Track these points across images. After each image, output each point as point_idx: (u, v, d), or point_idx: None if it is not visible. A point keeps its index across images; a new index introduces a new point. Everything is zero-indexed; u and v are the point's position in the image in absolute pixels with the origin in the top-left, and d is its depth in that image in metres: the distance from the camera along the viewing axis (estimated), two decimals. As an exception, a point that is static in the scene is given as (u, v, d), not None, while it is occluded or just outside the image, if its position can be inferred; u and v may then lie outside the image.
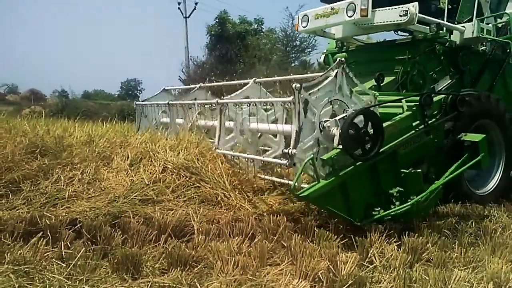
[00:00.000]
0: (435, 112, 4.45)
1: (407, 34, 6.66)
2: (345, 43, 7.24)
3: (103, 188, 4.20)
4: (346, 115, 3.72)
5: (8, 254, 2.89)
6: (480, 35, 6.14)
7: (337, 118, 3.77)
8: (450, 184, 4.79)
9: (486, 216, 4.79)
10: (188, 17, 34.65)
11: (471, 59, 6.53)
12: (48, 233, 3.24)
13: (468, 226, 4.22)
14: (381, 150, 3.83)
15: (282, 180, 4.35)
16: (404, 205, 3.75)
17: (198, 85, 6.32)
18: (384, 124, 3.94)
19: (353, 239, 3.48)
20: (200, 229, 3.57)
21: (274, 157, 4.55)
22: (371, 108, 3.92)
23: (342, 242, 3.47)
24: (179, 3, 34.32)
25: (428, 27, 5.95)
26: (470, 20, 6.44)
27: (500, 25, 6.84)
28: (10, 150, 4.46)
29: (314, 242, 3.47)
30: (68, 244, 3.14)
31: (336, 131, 3.71)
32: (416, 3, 5.62)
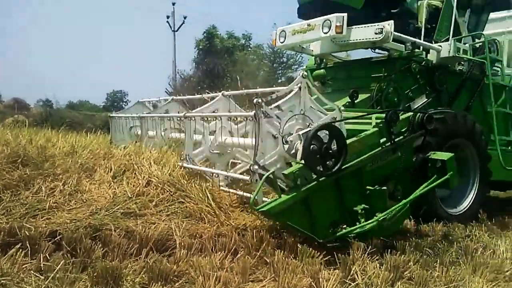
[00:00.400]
0: (403, 130, 4.41)
1: (385, 52, 6.69)
2: (323, 60, 7.27)
3: (84, 200, 4.16)
4: (309, 130, 3.66)
5: None
6: (457, 55, 6.18)
7: (300, 132, 3.71)
8: (421, 203, 4.79)
9: (468, 235, 4.79)
10: (177, 31, 34.81)
11: (448, 79, 6.56)
12: (27, 245, 3.18)
13: (449, 245, 4.22)
14: (346, 166, 3.78)
15: (249, 195, 4.27)
16: (367, 222, 3.68)
17: (171, 98, 6.26)
18: (349, 140, 3.89)
19: (335, 256, 3.44)
20: (182, 244, 3.50)
21: (243, 172, 4.47)
22: (335, 124, 3.88)
23: (324, 259, 3.42)
24: (167, 17, 34.52)
25: (403, 46, 5.99)
26: (448, 40, 6.51)
27: (477, 45, 6.93)
28: None
29: (297, 258, 3.40)
30: (47, 256, 3.08)
31: (299, 145, 3.65)
32: (392, 22, 5.66)
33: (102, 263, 2.95)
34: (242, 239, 3.68)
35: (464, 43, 6.71)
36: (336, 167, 3.66)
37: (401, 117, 4.31)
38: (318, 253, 3.41)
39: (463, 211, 5.72)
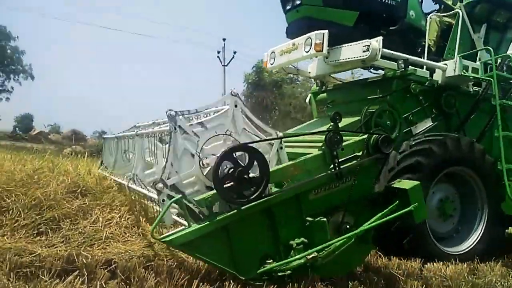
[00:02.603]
0: (359, 154, 3.93)
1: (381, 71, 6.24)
2: (324, 83, 6.94)
3: (140, 234, 4.26)
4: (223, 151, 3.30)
5: None
6: (463, 73, 5.61)
7: (218, 155, 3.33)
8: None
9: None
10: (226, 65, 35.72)
11: (459, 101, 5.96)
12: (84, 272, 3.31)
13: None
14: (276, 193, 3.38)
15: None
16: (292, 258, 3.23)
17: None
18: (284, 165, 3.51)
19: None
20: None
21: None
22: (254, 145, 3.48)
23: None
24: (218, 52, 35.60)
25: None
26: (468, 58, 5.96)
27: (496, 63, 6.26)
28: (53, 188, 4.73)
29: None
30: (103, 283, 3.18)
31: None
32: (380, 38, 5.26)
33: None
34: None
35: (479, 61, 6.11)
36: (255, 195, 3.26)
37: (354, 139, 3.85)
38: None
39: (466, 250, 5.01)
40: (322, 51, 5.25)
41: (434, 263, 4.48)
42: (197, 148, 3.43)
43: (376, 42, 5.23)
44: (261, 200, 3.30)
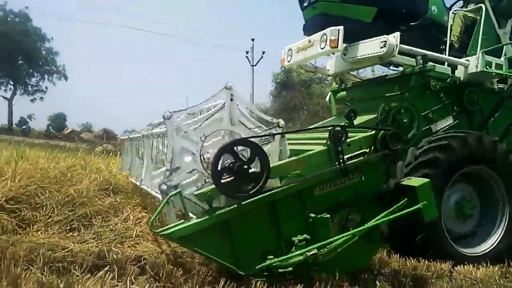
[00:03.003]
0: (366, 150, 3.88)
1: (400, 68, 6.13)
2: (343, 80, 6.88)
3: None
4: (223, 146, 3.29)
5: (79, 285, 3.02)
6: (485, 69, 5.45)
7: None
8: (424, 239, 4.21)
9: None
10: (255, 65, 35.84)
11: (482, 98, 5.80)
12: (115, 267, 3.43)
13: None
14: (278, 189, 3.39)
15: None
16: (293, 254, 3.20)
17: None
18: (286, 160, 3.50)
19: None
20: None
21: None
22: (260, 139, 3.48)
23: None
24: (247, 52, 35.78)
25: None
26: (492, 54, 5.79)
27: None
28: (85, 186, 5.01)
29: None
30: (133, 279, 3.29)
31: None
32: (398, 33, 5.17)
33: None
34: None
35: (505, 56, 5.91)
36: (255, 189, 3.26)
37: (362, 135, 3.80)
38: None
39: (485, 252, 4.87)
40: (337, 47, 5.20)
41: (465, 266, 4.41)
42: (196, 146, 3.46)
43: (394, 38, 5.14)
44: (262, 195, 3.31)
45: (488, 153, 4.91)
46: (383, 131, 3.81)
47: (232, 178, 3.24)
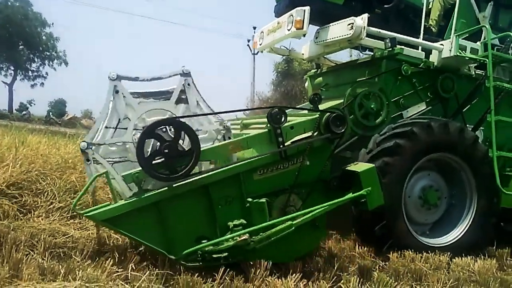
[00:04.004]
0: (310, 133, 3.74)
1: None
2: (320, 65, 6.74)
3: None
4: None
5: (80, 271, 3.02)
6: (458, 53, 5.28)
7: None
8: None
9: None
10: (257, 53, 35.55)
11: (458, 84, 5.64)
12: (115, 254, 3.43)
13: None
14: (214, 172, 3.27)
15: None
16: (221, 238, 3.12)
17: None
18: (222, 143, 3.40)
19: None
20: (259, 263, 3.38)
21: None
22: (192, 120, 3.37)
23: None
24: (248, 40, 35.50)
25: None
26: (468, 39, 5.61)
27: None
28: None
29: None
30: (133, 266, 3.26)
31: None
32: (366, 15, 5.02)
33: (183, 277, 3.04)
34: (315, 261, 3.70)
35: (483, 41, 5.73)
36: (183, 172, 3.16)
37: (306, 118, 3.67)
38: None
39: (450, 243, 4.75)
40: (302, 28, 5.06)
41: (463, 258, 4.38)
42: (136, 117, 3.36)
43: (361, 20, 4.99)
44: (195, 178, 3.22)
45: (454, 140, 4.76)
46: (327, 114, 3.67)
47: (161, 159, 3.13)
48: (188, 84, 3.50)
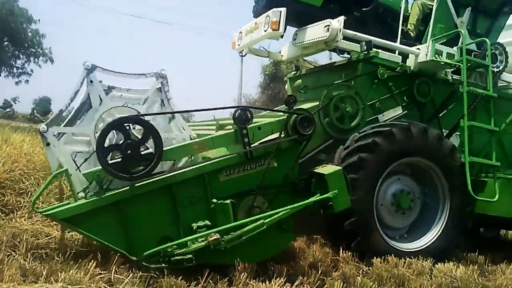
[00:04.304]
0: (279, 134, 3.71)
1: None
2: (299, 67, 6.73)
3: None
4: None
5: (63, 273, 2.97)
6: (434, 58, 5.29)
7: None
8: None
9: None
10: (244, 55, 35.40)
11: (435, 89, 5.66)
12: (98, 256, 3.32)
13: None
14: (177, 172, 3.22)
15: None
16: (186, 239, 3.08)
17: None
18: (187, 142, 3.35)
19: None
20: (242, 266, 3.38)
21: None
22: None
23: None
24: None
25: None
26: (447, 44, 5.64)
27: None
28: None
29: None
30: (116, 268, 3.20)
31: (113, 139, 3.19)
32: (342, 18, 5.02)
33: (167, 279, 3.02)
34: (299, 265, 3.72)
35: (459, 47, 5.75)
36: (145, 171, 3.11)
37: (274, 119, 3.64)
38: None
39: (421, 248, 4.75)
40: (278, 30, 5.04)
41: (445, 263, 4.42)
42: (103, 110, 3.31)
43: (337, 22, 4.99)
44: (158, 178, 3.17)
45: (431, 146, 4.78)
46: (294, 115, 3.64)
47: (121, 158, 3.08)
48: (162, 88, 3.45)
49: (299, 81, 6.69)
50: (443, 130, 5.64)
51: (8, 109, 39.23)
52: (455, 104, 5.68)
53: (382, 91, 5.47)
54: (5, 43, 39.40)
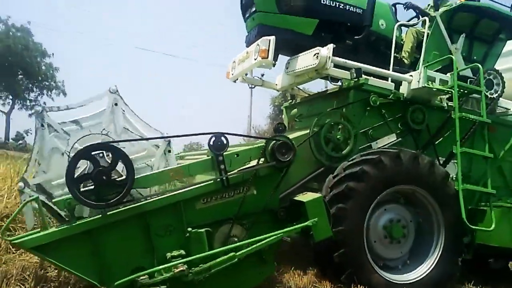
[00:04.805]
0: (257, 161, 3.66)
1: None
2: (295, 96, 6.75)
3: None
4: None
5: None
6: (427, 85, 5.27)
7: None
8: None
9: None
10: (254, 87, 35.83)
11: (430, 115, 5.61)
12: None
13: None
14: (151, 200, 3.19)
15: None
16: (156, 268, 3.00)
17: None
18: (162, 169, 3.33)
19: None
20: None
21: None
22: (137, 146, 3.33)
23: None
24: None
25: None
26: (442, 71, 5.63)
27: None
28: None
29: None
30: None
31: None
32: (331, 45, 5.06)
33: None
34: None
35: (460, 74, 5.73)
36: (112, 201, 3.06)
37: (254, 146, 3.61)
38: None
39: (416, 280, 4.60)
40: (267, 58, 5.07)
41: None
42: (68, 147, 3.31)
43: (327, 50, 5.02)
44: (131, 206, 3.14)
45: (423, 173, 4.68)
46: (273, 142, 3.61)
47: (93, 185, 3.06)
48: (116, 104, 3.45)
49: (295, 110, 6.69)
50: (440, 158, 5.57)
51: (20, 141, 39.81)
52: (452, 131, 5.60)
53: (375, 119, 5.43)
54: (19, 76, 40.49)
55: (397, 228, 4.70)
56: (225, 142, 3.45)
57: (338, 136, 5.05)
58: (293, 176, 4.70)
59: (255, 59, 5.24)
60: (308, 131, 5.14)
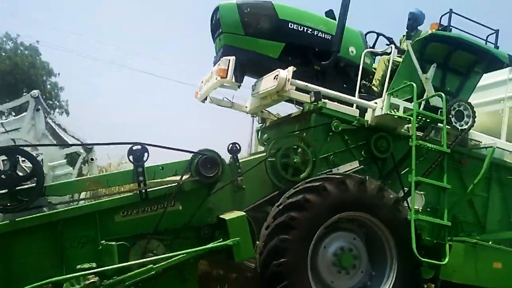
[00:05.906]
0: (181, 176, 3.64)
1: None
2: (265, 119, 6.79)
3: None
4: None
5: None
6: (388, 112, 5.27)
7: None
8: None
9: None
10: (256, 117, 35.95)
11: (395, 144, 5.59)
12: None
13: None
14: (65, 209, 3.17)
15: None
16: (55, 279, 2.94)
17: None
18: (79, 178, 3.33)
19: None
20: None
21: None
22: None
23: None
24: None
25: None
26: (408, 100, 5.64)
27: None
28: None
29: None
30: None
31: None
32: (291, 68, 5.11)
33: None
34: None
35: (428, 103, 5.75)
36: (14, 207, 3.03)
37: (181, 160, 3.60)
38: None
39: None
40: (226, 77, 5.13)
41: None
42: None
43: (286, 72, 5.07)
44: (40, 214, 3.12)
45: (371, 200, 4.62)
46: (199, 156, 3.60)
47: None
48: (38, 109, 3.48)
49: (266, 134, 6.72)
50: (405, 188, 5.51)
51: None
52: (419, 161, 5.57)
53: (338, 144, 5.41)
54: (24, 94, 41.18)
55: (347, 257, 4.61)
56: (145, 153, 3.43)
57: (295, 160, 5.03)
58: (249, 196, 4.69)
59: (216, 79, 5.31)
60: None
